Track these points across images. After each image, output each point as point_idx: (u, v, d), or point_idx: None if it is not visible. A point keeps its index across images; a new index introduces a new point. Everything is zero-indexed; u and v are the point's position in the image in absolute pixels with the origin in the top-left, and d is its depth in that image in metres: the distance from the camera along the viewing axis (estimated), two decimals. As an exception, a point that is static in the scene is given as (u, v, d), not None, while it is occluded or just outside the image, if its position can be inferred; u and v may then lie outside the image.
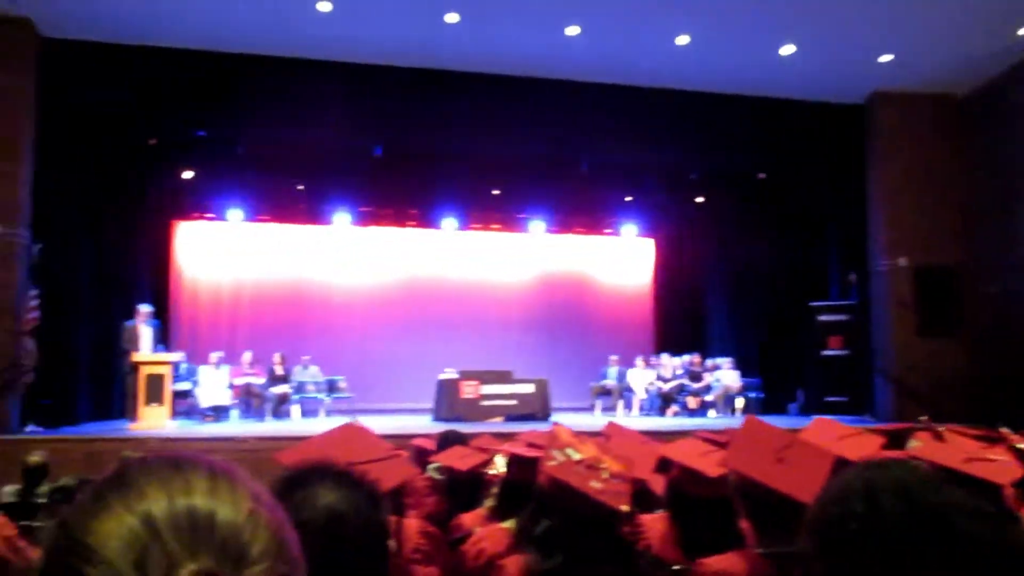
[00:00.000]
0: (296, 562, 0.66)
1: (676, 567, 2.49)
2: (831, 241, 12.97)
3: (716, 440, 2.91)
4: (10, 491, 5.05)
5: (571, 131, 11.54)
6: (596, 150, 12.08)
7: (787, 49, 10.39)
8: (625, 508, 2.04)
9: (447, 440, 4.41)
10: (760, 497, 2.09)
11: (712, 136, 11.85)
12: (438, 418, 11.20)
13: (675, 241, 15.11)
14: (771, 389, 13.01)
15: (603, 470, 2.11)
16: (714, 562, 2.10)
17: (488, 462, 3.54)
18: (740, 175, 13.41)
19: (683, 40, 10.12)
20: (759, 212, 13.58)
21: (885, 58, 10.74)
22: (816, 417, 3.42)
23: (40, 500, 4.90)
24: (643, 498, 2.84)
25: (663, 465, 3.19)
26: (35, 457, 5.15)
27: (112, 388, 11.10)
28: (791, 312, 13.08)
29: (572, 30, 9.87)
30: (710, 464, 2.57)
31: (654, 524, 2.64)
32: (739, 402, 12.57)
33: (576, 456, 2.15)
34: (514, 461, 2.87)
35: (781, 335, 13.34)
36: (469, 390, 11.26)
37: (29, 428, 9.37)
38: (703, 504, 2.54)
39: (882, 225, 11.80)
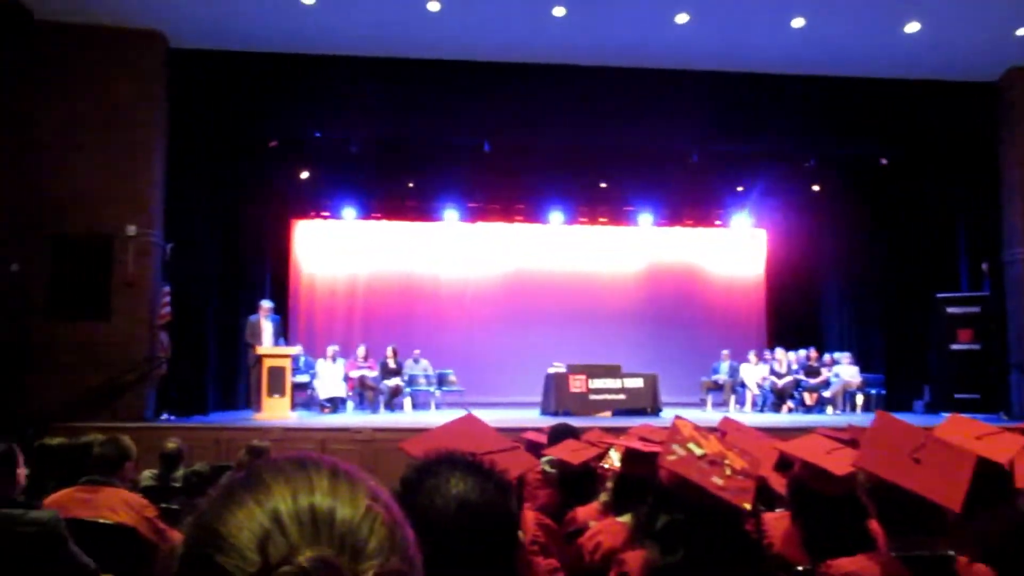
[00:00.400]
0: (412, 560, 0.69)
1: (800, 568, 2.41)
2: (960, 229, 12.21)
3: (838, 437, 2.80)
4: (148, 475, 5.37)
5: (680, 121, 11.32)
6: (706, 139, 11.80)
7: (912, 27, 9.83)
8: (747, 506, 1.97)
9: (558, 434, 4.40)
10: (893, 498, 1.99)
11: (829, 121, 11.38)
12: (546, 412, 11.22)
13: (789, 231, 14.61)
14: (894, 385, 12.38)
15: (726, 466, 2.05)
16: (844, 564, 2.02)
17: (601, 456, 3.52)
18: (860, 161, 12.80)
19: (798, 23, 9.74)
20: (881, 199, 12.92)
21: (1023, 31, 10.01)
22: (950, 414, 3.22)
23: (176, 484, 5.20)
24: (763, 496, 2.76)
25: (782, 462, 3.09)
26: (171, 444, 5.46)
27: (237, 380, 11.68)
28: (916, 304, 12.39)
29: (681, 18, 9.67)
30: (836, 462, 2.46)
31: (776, 523, 2.56)
32: (859, 399, 12.06)
33: (698, 451, 2.10)
34: (629, 455, 2.83)
35: (905, 328, 12.65)
36: (577, 384, 11.23)
37: (163, 416, 9.98)
38: (827, 503, 2.44)
39: (1019, 211, 11.03)
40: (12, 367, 9.16)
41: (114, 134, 9.88)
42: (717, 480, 1.98)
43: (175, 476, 5.29)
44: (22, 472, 3.15)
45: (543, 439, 4.62)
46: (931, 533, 2.00)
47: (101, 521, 3.43)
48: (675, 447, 2.13)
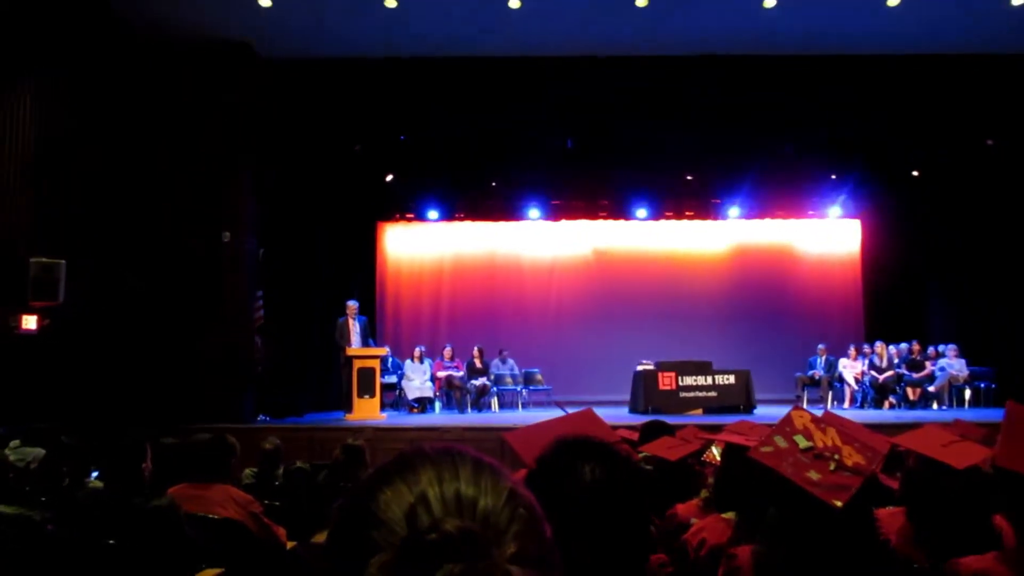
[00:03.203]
0: (550, 552, 0.72)
1: (916, 566, 2.30)
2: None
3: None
4: (249, 473, 5.54)
5: (768, 110, 11.00)
6: (799, 128, 11.42)
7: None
8: (839, 504, 1.83)
9: (651, 431, 4.33)
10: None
11: (930, 102, 10.83)
12: (634, 410, 11.10)
13: (886, 219, 14.01)
14: (1005, 379, 11.71)
15: (832, 461, 1.94)
16: (972, 562, 1.90)
17: (699, 452, 3.44)
18: (963, 143, 12.12)
19: (893, 1, 9.32)
20: (988, 182, 12.22)
21: None
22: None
23: (276, 482, 5.35)
24: (874, 492, 2.64)
25: (893, 458, 2.95)
26: (269, 443, 5.62)
27: (328, 381, 11.95)
28: (1029, 293, 11.71)
29: (769, 2, 9.39)
30: (955, 455, 2.33)
31: (891, 519, 2.44)
32: (967, 393, 11.49)
33: (804, 444, 2.00)
34: (731, 450, 2.75)
35: (1017, 319, 11.97)
36: (667, 382, 11.06)
37: (260, 418, 10.29)
38: (946, 498, 2.31)
39: None
40: (133, 371, 9.57)
41: (207, 145, 10.23)
42: (812, 475, 1.87)
43: (275, 474, 5.44)
44: (147, 466, 3.32)
45: (635, 436, 4.55)
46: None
47: (211, 516, 3.55)
48: (777, 438, 2.03)
